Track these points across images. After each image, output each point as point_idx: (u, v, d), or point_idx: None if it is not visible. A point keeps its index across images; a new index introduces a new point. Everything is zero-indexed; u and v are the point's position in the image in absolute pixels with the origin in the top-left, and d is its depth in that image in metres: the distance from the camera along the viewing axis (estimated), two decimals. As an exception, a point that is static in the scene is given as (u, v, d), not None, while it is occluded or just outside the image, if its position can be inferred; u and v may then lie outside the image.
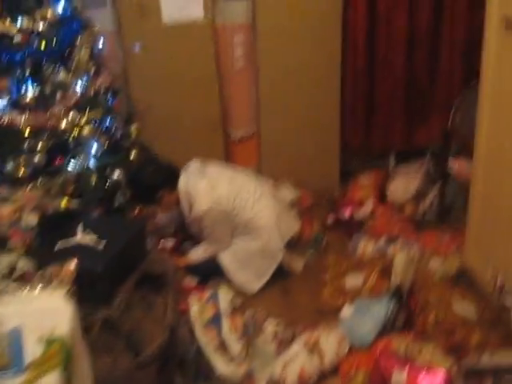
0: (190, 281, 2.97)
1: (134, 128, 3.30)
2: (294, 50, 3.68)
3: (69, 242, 2.35)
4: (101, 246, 2.31)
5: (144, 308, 2.35)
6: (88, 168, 2.83)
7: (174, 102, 3.75)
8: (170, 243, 3.17)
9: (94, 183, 2.83)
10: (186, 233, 3.19)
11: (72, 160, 2.78)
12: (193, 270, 3.02)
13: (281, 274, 3.04)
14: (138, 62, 3.63)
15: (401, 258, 2.70)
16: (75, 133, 2.74)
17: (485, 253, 2.68)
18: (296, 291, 2.96)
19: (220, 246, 3.01)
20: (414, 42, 3.74)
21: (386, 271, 2.73)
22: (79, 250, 2.28)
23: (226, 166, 3.21)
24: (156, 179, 2.95)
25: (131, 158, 3.20)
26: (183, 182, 2.96)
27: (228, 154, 4.01)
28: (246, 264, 2.98)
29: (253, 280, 2.99)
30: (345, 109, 3.90)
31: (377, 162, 4.19)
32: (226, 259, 3.01)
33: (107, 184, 2.95)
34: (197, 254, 3.05)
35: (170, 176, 2.99)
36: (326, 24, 3.64)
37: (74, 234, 2.38)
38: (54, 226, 2.40)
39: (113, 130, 3.02)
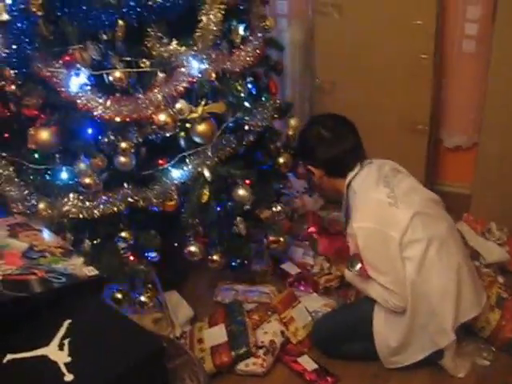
0: (306, 362, 2.05)
1: (292, 122, 2.37)
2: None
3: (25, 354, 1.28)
4: (68, 378, 1.23)
5: None
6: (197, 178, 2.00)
7: (365, 86, 2.74)
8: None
9: (204, 199, 2.01)
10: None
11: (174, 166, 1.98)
12: (322, 331, 2.09)
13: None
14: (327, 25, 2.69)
15: None
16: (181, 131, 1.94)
17: None
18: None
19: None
20: None
21: None
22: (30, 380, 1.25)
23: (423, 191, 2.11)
24: None
25: (278, 166, 2.30)
26: (356, 177, 2.04)
27: (432, 167, 2.91)
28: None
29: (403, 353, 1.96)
30: None
31: None
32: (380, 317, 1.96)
33: (225, 205, 2.12)
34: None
35: None
36: None
37: (45, 340, 1.32)
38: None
39: (249, 126, 2.12)
